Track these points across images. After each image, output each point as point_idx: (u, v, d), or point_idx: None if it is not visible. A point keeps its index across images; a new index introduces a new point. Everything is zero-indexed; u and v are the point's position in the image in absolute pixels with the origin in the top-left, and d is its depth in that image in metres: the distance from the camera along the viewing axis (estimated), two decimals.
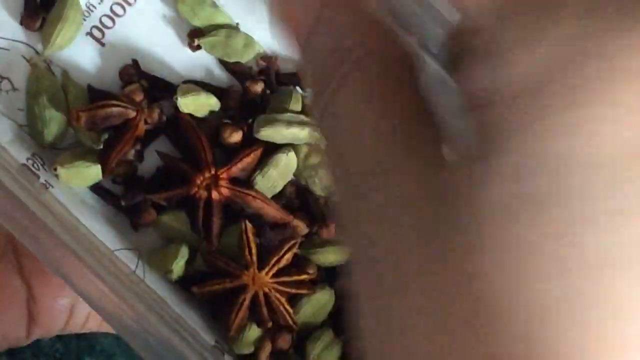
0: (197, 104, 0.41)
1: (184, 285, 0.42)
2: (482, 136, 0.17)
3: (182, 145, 0.42)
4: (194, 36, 0.42)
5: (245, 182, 0.41)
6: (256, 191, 0.41)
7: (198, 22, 0.42)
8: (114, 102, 0.40)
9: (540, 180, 0.16)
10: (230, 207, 0.41)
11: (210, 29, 0.42)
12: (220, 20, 0.42)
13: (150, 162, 0.42)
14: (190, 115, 0.41)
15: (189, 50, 0.43)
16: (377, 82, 0.19)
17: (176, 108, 0.41)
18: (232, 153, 0.42)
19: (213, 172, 0.41)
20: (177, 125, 0.42)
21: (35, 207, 0.36)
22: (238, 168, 0.41)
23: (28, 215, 0.36)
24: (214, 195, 0.40)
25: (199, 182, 0.40)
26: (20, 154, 0.40)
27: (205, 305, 0.42)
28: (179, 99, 0.41)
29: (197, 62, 0.43)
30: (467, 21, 0.18)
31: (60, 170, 0.40)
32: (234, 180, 0.41)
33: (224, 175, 0.41)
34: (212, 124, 0.42)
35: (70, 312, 0.42)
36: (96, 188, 0.42)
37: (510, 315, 0.16)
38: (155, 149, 0.42)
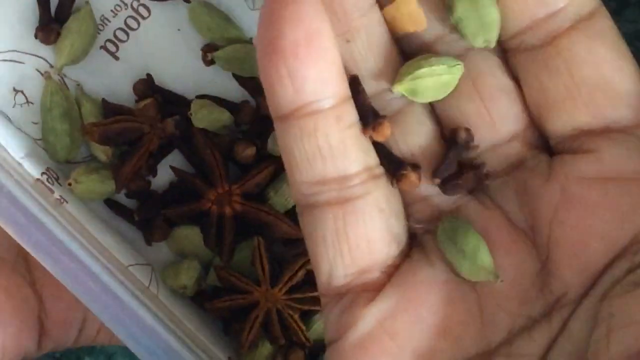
0: (210, 119, 0.41)
1: (197, 300, 0.42)
2: None
3: (196, 160, 0.42)
4: (208, 51, 0.42)
5: (258, 197, 0.41)
6: (269, 207, 0.41)
7: (212, 37, 0.42)
8: (128, 117, 0.40)
9: None
10: (242, 222, 0.41)
11: (224, 44, 0.42)
12: (234, 34, 0.42)
13: (164, 176, 0.42)
14: (204, 130, 0.41)
15: (202, 65, 0.43)
16: None
17: (190, 122, 0.41)
18: (245, 168, 0.42)
19: (226, 187, 0.41)
20: (191, 140, 0.42)
21: (49, 224, 0.36)
22: (251, 184, 0.41)
23: (42, 231, 0.36)
24: (227, 210, 0.41)
25: (212, 197, 0.41)
26: (35, 169, 0.40)
27: (218, 320, 0.42)
28: (192, 114, 0.41)
29: (211, 76, 0.43)
30: None
31: (75, 186, 0.40)
32: (247, 196, 0.41)
33: (238, 191, 0.41)
34: (225, 139, 0.42)
35: (81, 325, 0.42)
36: (110, 202, 0.42)
37: None
38: (168, 163, 0.42)
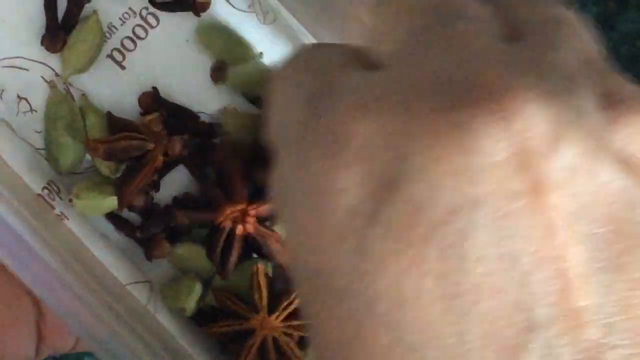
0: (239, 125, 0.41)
1: (195, 319, 0.42)
2: None
3: (216, 173, 0.41)
4: (218, 72, 0.41)
5: (268, 221, 0.41)
6: (278, 235, 0.40)
7: (220, 56, 0.41)
8: (133, 134, 0.40)
9: None
10: (247, 242, 0.41)
11: (232, 61, 0.41)
12: (241, 54, 0.41)
13: (167, 190, 0.42)
14: (228, 144, 0.41)
15: (210, 78, 0.42)
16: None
17: (202, 138, 0.41)
18: (259, 189, 0.41)
19: (244, 206, 0.40)
20: (213, 154, 0.41)
21: (41, 248, 0.36)
22: (267, 207, 0.40)
23: (33, 256, 0.36)
24: (239, 229, 0.40)
25: (228, 212, 0.40)
26: (36, 183, 0.40)
27: (216, 342, 0.42)
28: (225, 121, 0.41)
29: (219, 89, 0.42)
30: None
31: (76, 201, 0.40)
32: (260, 218, 0.40)
33: (253, 212, 0.40)
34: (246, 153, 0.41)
35: None
36: (111, 216, 0.41)
37: None
38: (173, 176, 0.42)
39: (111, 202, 0.40)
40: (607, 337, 0.18)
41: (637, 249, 0.18)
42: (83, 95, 0.41)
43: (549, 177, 0.18)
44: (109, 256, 0.40)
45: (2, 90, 0.41)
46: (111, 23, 0.42)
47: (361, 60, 0.23)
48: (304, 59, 0.24)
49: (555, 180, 0.18)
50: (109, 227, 0.42)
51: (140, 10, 0.41)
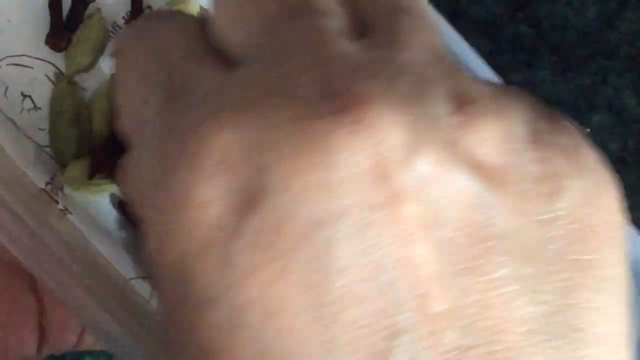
0: None
1: None
2: None
3: None
4: None
5: None
6: None
7: None
8: None
9: None
10: None
11: None
12: None
13: None
14: None
15: None
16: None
17: None
18: None
19: None
20: None
21: (49, 239, 0.36)
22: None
23: (40, 246, 0.36)
24: None
25: None
26: (40, 179, 0.40)
27: None
28: None
29: None
30: None
31: (65, 177, 0.40)
32: None
33: None
34: None
35: (81, 332, 0.42)
36: (116, 201, 0.41)
37: None
38: None
39: (105, 183, 0.40)
40: (465, 339, 0.18)
41: (490, 251, 0.19)
42: (87, 93, 0.42)
43: (404, 187, 0.19)
44: (113, 251, 0.40)
45: (6, 88, 0.41)
46: (115, 22, 0.42)
47: (212, 48, 0.22)
48: (149, 41, 0.23)
49: (410, 190, 0.19)
50: (112, 222, 0.42)
51: (144, 9, 0.42)
